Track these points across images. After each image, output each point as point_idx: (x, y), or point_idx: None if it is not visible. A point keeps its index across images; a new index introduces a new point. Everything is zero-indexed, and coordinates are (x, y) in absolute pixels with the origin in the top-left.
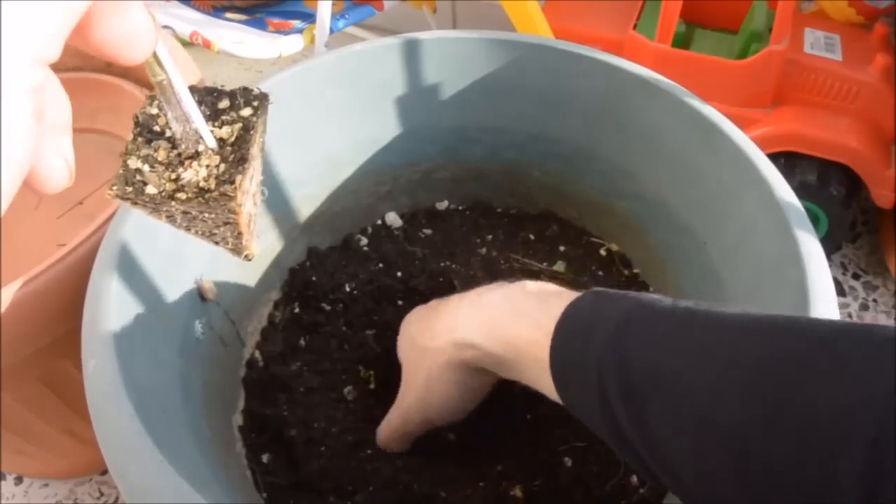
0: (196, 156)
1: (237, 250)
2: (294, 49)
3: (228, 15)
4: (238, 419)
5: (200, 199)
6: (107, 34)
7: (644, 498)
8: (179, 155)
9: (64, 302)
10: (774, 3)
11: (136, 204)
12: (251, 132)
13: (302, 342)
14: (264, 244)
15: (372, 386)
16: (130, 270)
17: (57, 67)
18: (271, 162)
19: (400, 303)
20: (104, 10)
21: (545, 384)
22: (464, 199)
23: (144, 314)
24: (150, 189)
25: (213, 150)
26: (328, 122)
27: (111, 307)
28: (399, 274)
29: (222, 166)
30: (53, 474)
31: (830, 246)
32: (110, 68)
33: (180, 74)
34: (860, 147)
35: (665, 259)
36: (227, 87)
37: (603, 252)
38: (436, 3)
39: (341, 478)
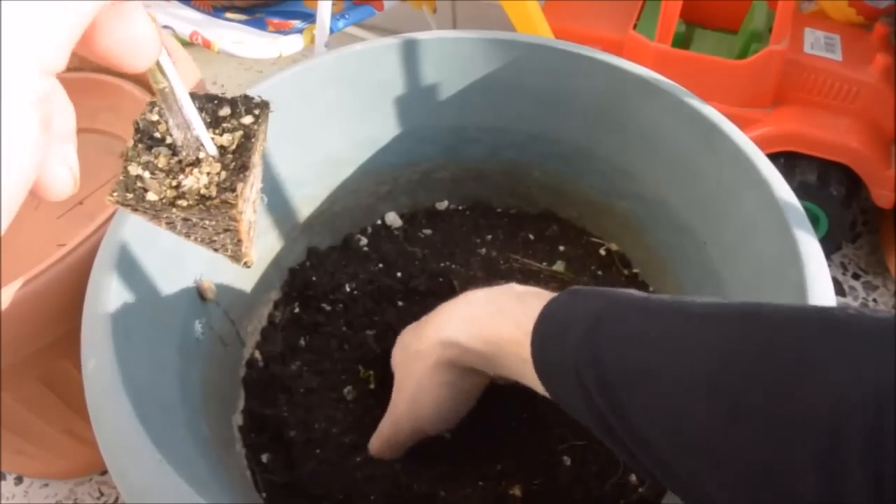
0: (197, 163)
1: (236, 257)
2: (294, 49)
3: (228, 15)
4: (238, 419)
5: (201, 206)
6: (111, 42)
7: (643, 497)
8: (180, 162)
9: (64, 302)
10: (774, 3)
11: (136, 210)
12: (252, 140)
13: (302, 342)
14: (264, 244)
15: (372, 386)
16: (130, 270)
17: None
18: (271, 162)
19: (400, 303)
20: (109, 19)
21: (532, 380)
22: (464, 199)
23: (144, 314)
24: (151, 196)
25: (213, 157)
26: (328, 122)
27: (111, 307)
28: (399, 274)
29: (223, 174)
30: (53, 474)
31: (830, 246)
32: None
33: (182, 81)
34: (860, 147)
35: (665, 259)
36: (229, 94)
37: (603, 252)
38: (436, 3)
39: (341, 478)
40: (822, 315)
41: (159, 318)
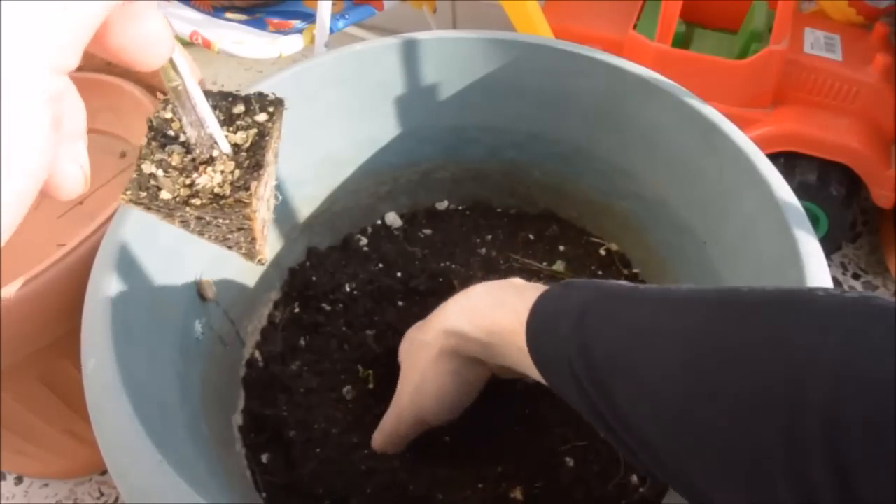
0: (211, 161)
1: (250, 255)
2: (294, 49)
3: (228, 15)
4: (238, 419)
5: (215, 204)
6: (124, 40)
7: (644, 497)
8: (194, 160)
9: (64, 302)
10: (774, 3)
11: (149, 209)
12: (266, 138)
13: (302, 342)
14: None
15: (371, 386)
16: (130, 270)
17: None
18: None
19: (400, 303)
20: (121, 17)
21: (531, 370)
22: (464, 199)
23: (144, 314)
24: (165, 194)
25: (227, 155)
26: (328, 122)
27: (111, 307)
28: (399, 274)
29: (237, 172)
30: (53, 474)
31: (830, 246)
32: (110, 68)
33: (195, 79)
34: (860, 147)
35: (665, 259)
36: (243, 92)
37: (603, 252)
38: (436, 3)
39: (339, 479)
40: (796, 295)
41: (159, 317)
